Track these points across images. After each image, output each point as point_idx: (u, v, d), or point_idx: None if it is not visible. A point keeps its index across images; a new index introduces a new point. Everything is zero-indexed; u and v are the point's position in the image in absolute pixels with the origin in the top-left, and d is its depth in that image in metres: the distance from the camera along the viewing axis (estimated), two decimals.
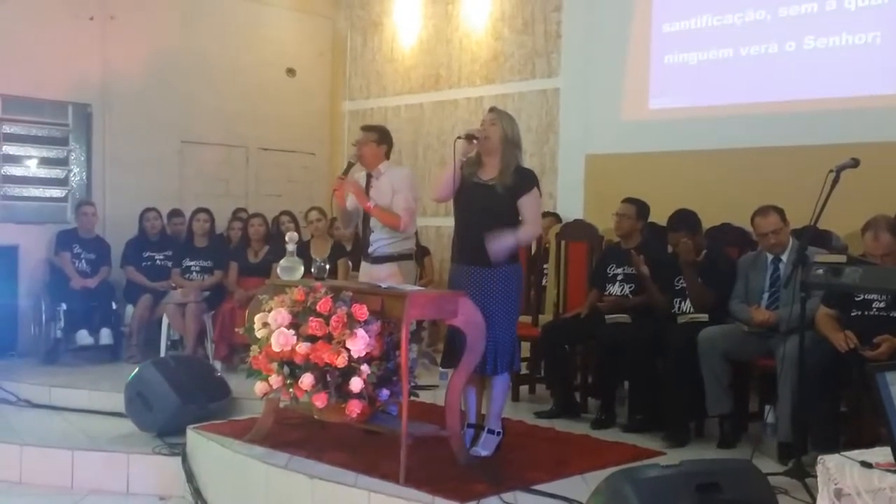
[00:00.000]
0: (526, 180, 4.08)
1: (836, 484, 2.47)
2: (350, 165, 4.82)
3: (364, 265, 4.81)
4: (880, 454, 2.56)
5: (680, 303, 4.90)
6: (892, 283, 3.49)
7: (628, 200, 5.33)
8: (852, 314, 4.11)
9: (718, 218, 5.46)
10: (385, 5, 8.76)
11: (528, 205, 4.06)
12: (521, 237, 4.09)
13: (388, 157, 4.85)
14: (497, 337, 3.99)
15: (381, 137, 4.81)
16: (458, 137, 4.10)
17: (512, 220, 4.05)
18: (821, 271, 3.74)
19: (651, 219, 5.46)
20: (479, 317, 3.89)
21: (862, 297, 4.10)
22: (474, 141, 4.07)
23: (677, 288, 4.92)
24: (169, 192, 7.72)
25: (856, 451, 2.60)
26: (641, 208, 5.30)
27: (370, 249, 4.72)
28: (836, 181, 3.85)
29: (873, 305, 4.08)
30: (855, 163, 3.93)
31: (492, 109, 4.28)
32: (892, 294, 3.82)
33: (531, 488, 3.68)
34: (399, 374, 3.80)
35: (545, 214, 6.98)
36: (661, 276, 4.98)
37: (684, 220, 4.88)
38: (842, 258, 3.86)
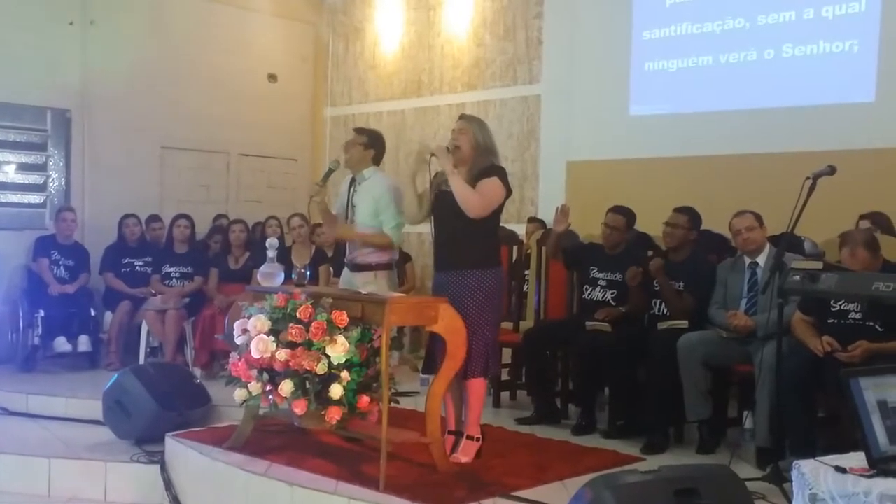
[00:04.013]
0: (485, 173, 4.06)
1: (810, 489, 2.49)
2: (330, 172, 4.79)
3: (345, 272, 4.81)
4: (855, 459, 2.58)
5: (659, 304, 4.93)
6: (867, 288, 3.52)
7: (617, 211, 5.24)
8: (829, 322, 4.14)
9: None
10: (367, 11, 8.78)
11: (481, 185, 4.04)
12: (459, 188, 4.01)
13: (376, 162, 4.76)
14: (469, 342, 3.97)
15: (370, 141, 4.72)
16: (432, 154, 4.12)
17: (480, 223, 4.05)
18: (797, 277, 3.77)
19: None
20: (459, 323, 3.89)
21: (838, 307, 4.13)
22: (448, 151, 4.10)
23: (656, 289, 4.95)
24: (149, 197, 7.68)
25: (831, 457, 2.62)
26: (630, 219, 5.26)
27: (351, 256, 4.72)
28: (812, 188, 3.89)
29: (850, 315, 4.10)
30: (832, 170, 3.97)
31: (461, 117, 4.28)
32: (867, 300, 3.85)
33: (511, 495, 3.68)
34: (379, 381, 3.80)
35: (531, 220, 7.03)
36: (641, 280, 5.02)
37: (689, 209, 4.94)
38: (818, 264, 3.89)
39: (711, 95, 6.48)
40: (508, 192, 4.13)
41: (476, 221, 4.05)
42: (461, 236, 4.08)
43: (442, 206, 4.16)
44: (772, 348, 3.99)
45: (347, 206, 4.72)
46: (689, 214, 4.95)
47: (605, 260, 5.23)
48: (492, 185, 4.05)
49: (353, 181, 4.75)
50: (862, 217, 5.08)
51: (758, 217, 4.59)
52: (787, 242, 4.06)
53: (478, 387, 4.16)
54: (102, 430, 5.04)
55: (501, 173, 4.11)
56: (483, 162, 4.11)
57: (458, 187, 4.02)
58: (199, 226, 7.26)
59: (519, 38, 7.56)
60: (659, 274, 4.84)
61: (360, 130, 4.87)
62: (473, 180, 4.06)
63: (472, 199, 4.00)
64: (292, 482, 3.83)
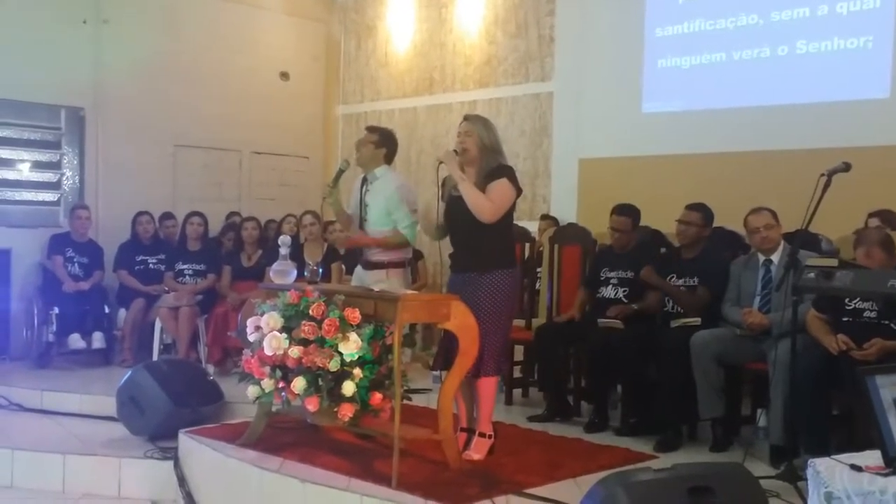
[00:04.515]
0: (494, 175, 4.05)
1: (826, 487, 2.48)
2: (340, 172, 4.79)
3: (357, 269, 4.82)
4: (870, 457, 2.56)
5: (672, 302, 4.92)
6: (882, 286, 3.50)
7: (620, 212, 5.21)
8: (843, 320, 4.12)
9: None
10: (379, 9, 8.78)
11: (491, 188, 4.02)
12: (471, 195, 4.00)
13: (388, 161, 4.76)
14: (482, 341, 3.96)
15: (381, 140, 4.73)
16: (440, 162, 4.10)
17: (493, 225, 4.04)
18: (812, 275, 3.75)
19: (643, 223, 5.45)
20: (471, 320, 3.89)
21: (853, 305, 4.10)
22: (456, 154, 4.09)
23: None
24: (162, 195, 7.71)
25: (846, 455, 2.60)
26: (635, 217, 5.24)
27: (367, 252, 4.72)
28: (827, 185, 3.87)
29: (864, 314, 4.07)
30: (846, 167, 3.94)
31: (466, 118, 4.23)
32: (882, 298, 3.82)
33: (524, 492, 3.68)
34: (392, 378, 3.80)
35: (544, 217, 7.03)
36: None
37: (702, 206, 4.92)
38: (833, 262, 3.86)
39: (724, 92, 6.45)
40: (518, 191, 4.12)
41: (483, 227, 4.04)
42: (475, 239, 4.07)
43: (454, 210, 4.15)
44: (786, 346, 3.97)
45: (360, 205, 4.72)
46: (702, 211, 4.93)
47: (616, 259, 5.22)
48: (502, 187, 4.04)
49: (364, 180, 4.76)
50: (871, 215, 5.05)
51: (774, 215, 4.56)
52: (802, 240, 4.04)
53: (489, 384, 4.15)
54: (116, 426, 5.06)
55: (510, 173, 4.09)
56: (490, 162, 4.10)
57: (469, 194, 4.01)
58: (212, 223, 7.29)
59: (531, 35, 7.54)
60: (651, 278, 4.82)
61: (371, 129, 4.87)
62: (482, 182, 4.05)
63: (484, 206, 4.00)
64: (305, 479, 3.83)
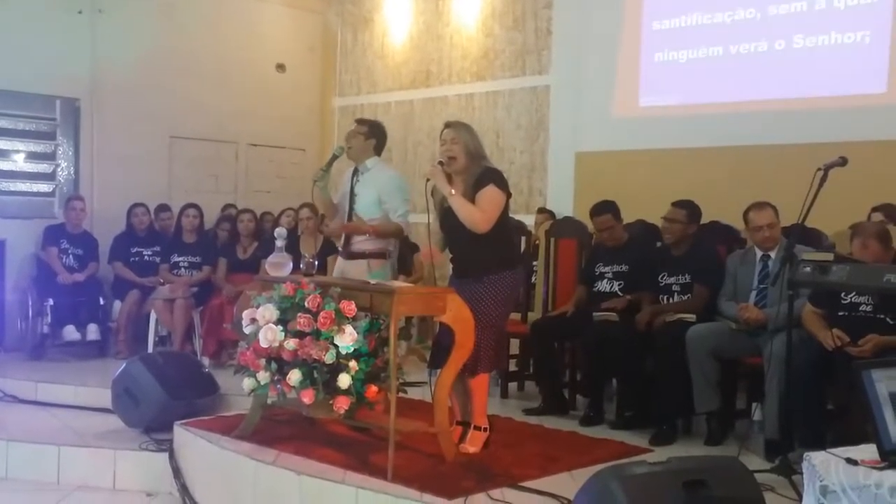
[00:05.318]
0: (480, 183, 4.03)
1: (821, 481, 2.48)
2: (334, 158, 4.82)
3: (339, 260, 4.82)
4: (866, 451, 2.57)
5: (667, 299, 4.91)
6: (878, 281, 3.50)
7: (599, 211, 5.17)
8: (839, 314, 4.12)
9: (707, 216, 5.46)
10: (376, 1, 8.75)
11: (480, 198, 4.01)
12: (462, 209, 4.00)
13: (378, 152, 4.78)
14: (478, 341, 3.96)
15: (371, 131, 4.75)
16: (428, 180, 4.09)
17: (489, 231, 4.04)
18: (808, 269, 3.75)
19: (639, 216, 5.44)
20: (467, 313, 3.89)
21: (849, 299, 4.10)
22: (442, 165, 4.07)
23: (662, 284, 4.93)
24: (158, 187, 7.70)
25: (841, 449, 2.61)
26: (615, 211, 5.20)
27: (351, 242, 4.72)
28: (823, 179, 3.86)
29: (860, 308, 4.08)
30: (843, 161, 3.94)
31: (448, 125, 4.19)
32: (878, 293, 3.82)
33: (519, 485, 3.68)
34: (388, 371, 3.80)
35: (541, 210, 7.02)
36: (646, 275, 5.00)
37: (687, 203, 4.91)
38: (829, 256, 3.86)
39: (722, 86, 6.44)
40: (508, 194, 4.10)
41: (478, 237, 4.03)
42: (472, 246, 4.07)
43: (448, 221, 4.14)
44: (781, 340, 3.97)
45: (350, 195, 4.73)
46: (688, 208, 4.90)
47: (610, 254, 5.23)
48: (490, 195, 4.02)
49: (355, 171, 4.78)
50: (874, 209, 5.05)
51: (776, 211, 4.55)
52: (802, 235, 4.03)
53: (481, 379, 4.15)
54: (111, 418, 5.05)
55: (497, 177, 4.07)
56: (477, 168, 4.08)
57: (461, 209, 4.00)
58: (208, 215, 7.28)
59: (528, 28, 7.53)
60: (653, 316, 4.79)
61: (361, 121, 4.92)
62: (471, 189, 4.04)
63: (476, 217, 3.99)
64: (300, 471, 3.83)
